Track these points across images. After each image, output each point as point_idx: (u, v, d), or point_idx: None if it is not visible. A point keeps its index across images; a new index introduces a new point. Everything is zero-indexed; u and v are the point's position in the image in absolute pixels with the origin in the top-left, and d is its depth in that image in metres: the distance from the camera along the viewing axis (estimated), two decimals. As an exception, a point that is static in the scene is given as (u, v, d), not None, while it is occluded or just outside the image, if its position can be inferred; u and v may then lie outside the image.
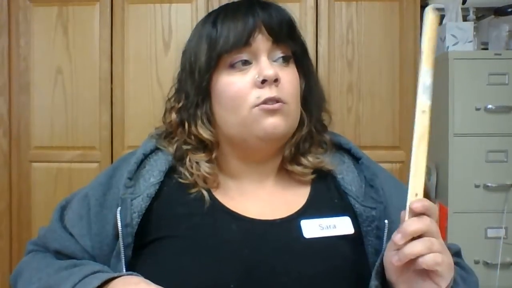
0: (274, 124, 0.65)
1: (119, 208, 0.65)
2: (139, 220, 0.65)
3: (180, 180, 0.69)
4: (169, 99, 0.76)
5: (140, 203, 0.66)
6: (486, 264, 1.51)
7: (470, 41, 1.64)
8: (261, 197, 0.71)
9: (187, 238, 0.64)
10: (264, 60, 0.66)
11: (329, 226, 0.66)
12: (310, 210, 0.68)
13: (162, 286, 0.58)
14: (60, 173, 1.72)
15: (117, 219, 0.64)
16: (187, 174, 0.69)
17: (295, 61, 0.71)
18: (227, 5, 0.71)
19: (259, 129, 0.66)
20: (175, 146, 0.71)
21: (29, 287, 0.66)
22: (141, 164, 0.70)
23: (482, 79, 1.54)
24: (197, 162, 0.69)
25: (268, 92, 0.65)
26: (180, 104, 0.72)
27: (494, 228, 1.52)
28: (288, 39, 0.69)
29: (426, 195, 1.70)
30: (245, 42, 0.66)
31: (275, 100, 0.65)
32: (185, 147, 0.70)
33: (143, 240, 0.66)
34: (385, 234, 0.66)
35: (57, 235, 0.71)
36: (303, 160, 0.71)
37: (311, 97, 0.73)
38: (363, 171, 0.72)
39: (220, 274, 0.61)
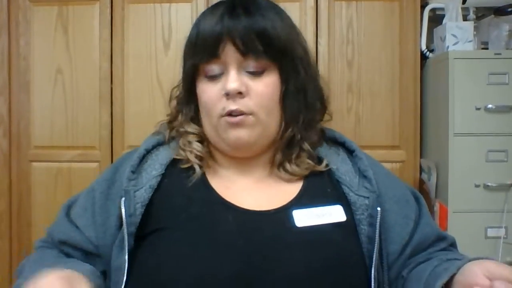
0: (237, 136, 0.69)
1: (123, 199, 0.67)
2: (143, 210, 0.67)
3: (176, 157, 0.73)
4: (175, 87, 0.81)
5: (143, 194, 0.68)
6: (486, 263, 1.52)
7: (470, 41, 1.64)
8: (255, 188, 0.73)
9: (185, 229, 0.65)
10: (231, 73, 0.68)
11: (321, 214, 0.67)
12: (303, 200, 0.70)
13: (162, 276, 0.62)
14: (60, 172, 1.73)
15: (121, 209, 0.66)
16: (181, 152, 0.73)
17: (277, 66, 0.70)
18: (213, 5, 0.72)
19: (226, 138, 0.70)
20: (172, 130, 0.77)
21: (19, 277, 0.70)
22: (143, 159, 0.73)
23: (482, 78, 1.54)
24: (189, 142, 0.73)
25: (232, 104, 0.67)
26: (179, 96, 0.78)
27: (494, 228, 1.52)
28: (258, 50, 0.67)
29: (426, 194, 1.70)
30: (213, 55, 0.68)
31: (238, 112, 0.67)
32: (181, 129, 0.75)
33: (144, 231, 0.67)
34: (378, 222, 0.67)
35: (62, 227, 0.74)
36: (288, 167, 0.73)
37: (291, 104, 0.72)
38: (356, 163, 0.74)
39: (218, 263, 0.62)
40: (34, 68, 1.74)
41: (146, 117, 1.71)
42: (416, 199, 0.77)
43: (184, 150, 0.73)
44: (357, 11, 1.72)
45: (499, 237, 1.52)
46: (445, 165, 1.57)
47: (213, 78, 0.69)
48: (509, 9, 1.62)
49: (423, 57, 1.77)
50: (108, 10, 1.72)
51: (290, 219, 0.67)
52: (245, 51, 0.67)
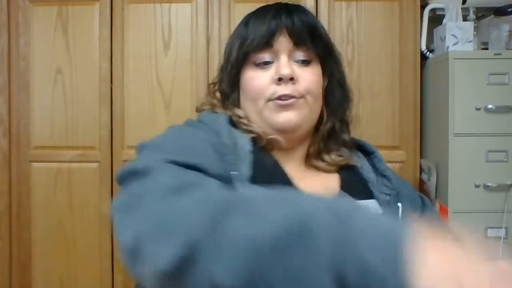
0: (287, 117, 0.73)
1: (236, 172, 0.65)
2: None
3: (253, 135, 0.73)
4: (212, 83, 0.83)
5: (247, 169, 0.66)
6: (486, 264, 1.51)
7: (470, 41, 1.64)
8: (304, 181, 0.75)
9: None
10: (283, 59, 0.73)
11: (365, 207, 0.70)
12: (346, 194, 0.73)
13: None
14: (60, 173, 1.73)
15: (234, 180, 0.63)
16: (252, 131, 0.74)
17: (320, 61, 0.77)
18: (260, 8, 0.79)
19: (274, 121, 0.73)
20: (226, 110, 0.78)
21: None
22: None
23: (482, 79, 1.54)
24: (245, 124, 0.75)
25: (283, 89, 0.72)
26: (222, 89, 0.81)
27: (494, 228, 1.52)
28: (308, 42, 0.74)
29: (427, 194, 1.69)
30: (267, 43, 0.73)
31: (289, 96, 0.72)
32: (234, 118, 0.77)
33: None
34: (399, 216, 0.72)
35: (198, 151, 0.62)
36: (327, 157, 0.78)
37: (333, 96, 0.79)
38: (375, 164, 0.81)
39: None
40: (34, 68, 1.74)
41: (146, 117, 1.71)
42: (421, 198, 0.83)
43: (252, 127, 0.74)
44: (357, 11, 1.72)
45: (499, 238, 1.52)
46: (445, 165, 1.57)
47: (263, 66, 0.74)
48: (509, 9, 1.62)
49: (423, 57, 1.77)
50: (108, 10, 1.72)
51: None
52: (297, 42, 0.73)
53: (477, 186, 1.54)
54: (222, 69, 0.81)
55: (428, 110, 1.75)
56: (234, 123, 0.75)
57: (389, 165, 1.74)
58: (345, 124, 0.81)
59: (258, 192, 0.46)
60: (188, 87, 1.72)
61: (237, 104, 0.78)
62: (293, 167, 0.76)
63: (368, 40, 1.72)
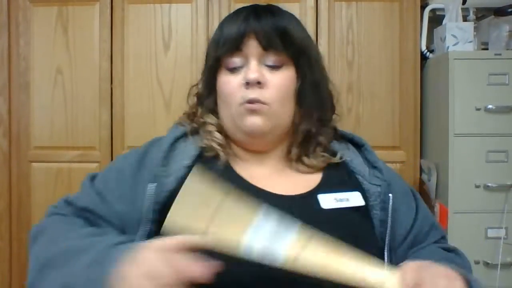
0: (253, 122, 0.74)
1: (154, 184, 0.70)
2: (168, 200, 0.68)
3: (201, 144, 0.77)
4: (194, 85, 0.86)
5: (172, 183, 0.71)
6: (486, 264, 1.51)
7: (470, 41, 1.64)
8: (277, 177, 0.77)
9: None
10: (252, 64, 0.74)
11: (343, 199, 0.74)
12: (325, 186, 0.75)
13: None
14: (60, 173, 1.73)
15: (148, 195, 0.69)
16: (204, 141, 0.77)
17: (293, 63, 0.76)
18: (236, 10, 0.80)
19: (243, 125, 0.75)
20: (192, 122, 0.81)
21: (49, 247, 0.68)
22: (171, 147, 0.77)
23: (482, 79, 1.53)
24: (209, 131, 0.78)
25: (251, 93, 0.73)
26: (199, 91, 0.84)
27: (495, 228, 1.52)
28: (279, 45, 0.74)
29: (426, 195, 1.69)
30: (236, 47, 0.75)
31: (256, 101, 0.73)
32: (201, 120, 0.80)
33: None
34: (390, 206, 0.74)
35: (89, 196, 0.76)
36: (307, 161, 0.78)
37: (305, 98, 0.78)
38: (366, 156, 0.82)
39: None
40: (34, 68, 1.74)
41: (146, 117, 1.71)
42: (412, 192, 0.84)
43: (206, 139, 0.77)
44: (357, 12, 1.72)
45: (499, 238, 1.52)
46: (445, 165, 1.57)
47: (234, 70, 0.75)
48: (509, 10, 1.62)
49: (423, 57, 1.77)
50: (108, 11, 1.72)
51: (317, 202, 0.72)
52: (267, 46, 0.74)
53: (477, 187, 1.54)
54: (203, 72, 0.83)
55: (428, 111, 1.75)
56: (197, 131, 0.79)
57: (389, 165, 1.74)
58: (324, 125, 0.80)
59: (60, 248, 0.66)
60: (188, 87, 1.71)
61: (213, 107, 0.80)
62: (267, 167, 0.78)
63: (368, 40, 1.72)
